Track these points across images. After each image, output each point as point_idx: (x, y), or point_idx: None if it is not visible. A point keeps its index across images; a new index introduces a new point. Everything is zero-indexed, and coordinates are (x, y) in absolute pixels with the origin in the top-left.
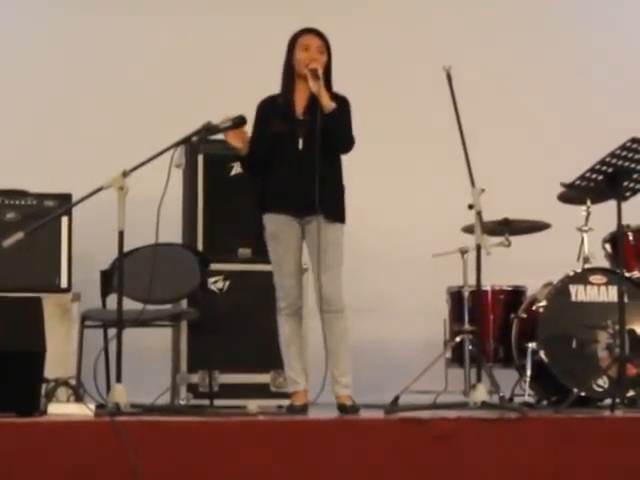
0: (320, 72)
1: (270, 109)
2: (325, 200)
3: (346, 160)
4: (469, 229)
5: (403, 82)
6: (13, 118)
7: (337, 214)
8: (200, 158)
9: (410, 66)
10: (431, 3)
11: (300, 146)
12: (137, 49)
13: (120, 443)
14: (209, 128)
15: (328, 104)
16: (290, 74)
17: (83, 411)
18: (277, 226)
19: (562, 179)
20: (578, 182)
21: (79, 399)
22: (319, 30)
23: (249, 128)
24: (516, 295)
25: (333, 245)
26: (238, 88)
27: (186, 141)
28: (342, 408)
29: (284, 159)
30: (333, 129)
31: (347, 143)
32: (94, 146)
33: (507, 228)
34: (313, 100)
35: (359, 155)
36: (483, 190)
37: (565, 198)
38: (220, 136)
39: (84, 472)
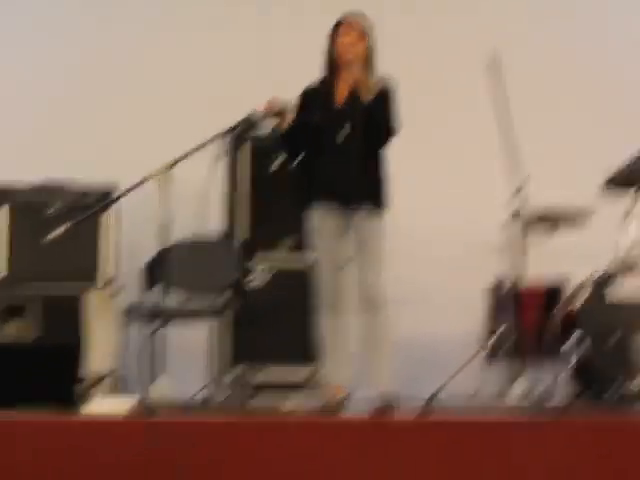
0: (356, 67)
1: (312, 100)
2: (370, 191)
3: (389, 149)
4: (514, 216)
5: (447, 69)
6: (58, 110)
7: (382, 205)
8: (244, 149)
9: (455, 52)
10: None
11: (342, 137)
12: (181, 38)
13: (155, 442)
14: (251, 119)
15: (367, 94)
16: (331, 63)
17: (124, 405)
18: (320, 219)
19: (606, 166)
20: (623, 170)
21: (123, 391)
22: (360, 15)
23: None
24: (555, 291)
25: (377, 238)
26: (282, 79)
27: (229, 132)
28: (382, 402)
29: (327, 149)
30: (374, 119)
31: (389, 132)
32: (138, 138)
33: (550, 217)
34: (354, 89)
35: (402, 144)
36: (527, 177)
37: (611, 185)
38: (264, 129)
39: (121, 469)
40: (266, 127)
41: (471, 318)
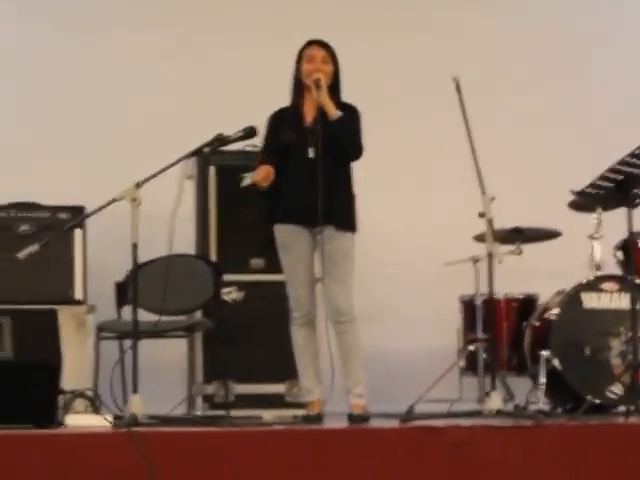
0: (323, 82)
1: (280, 120)
2: (336, 209)
3: (357, 168)
4: (481, 237)
5: (413, 93)
6: (27, 131)
7: (348, 223)
8: (212, 169)
9: (419, 77)
10: (438, 16)
11: (310, 155)
12: (151, 61)
13: (138, 454)
14: (220, 139)
15: (333, 112)
16: (298, 86)
17: (100, 422)
18: (288, 236)
19: (573, 187)
20: (588, 190)
21: (96, 410)
22: (323, 41)
23: (259, 141)
24: (528, 303)
25: (343, 255)
26: (250, 101)
27: (197, 152)
28: (352, 417)
29: (294, 168)
30: (340, 137)
31: (354, 150)
32: (107, 158)
33: (518, 236)
34: (321, 110)
35: (370, 164)
36: (494, 198)
37: (576, 206)
38: (231, 147)
39: None
40: (233, 146)
41: (446, 332)
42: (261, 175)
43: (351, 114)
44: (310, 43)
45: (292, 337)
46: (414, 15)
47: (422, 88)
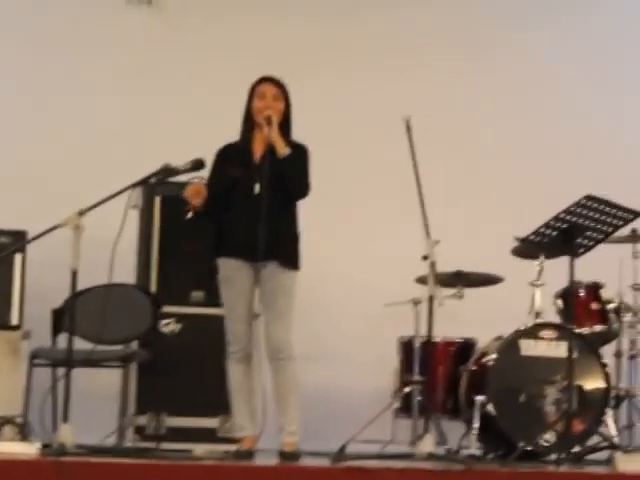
0: (274, 119)
1: (228, 155)
2: (279, 246)
3: (301, 207)
4: (422, 280)
5: (360, 132)
6: None
7: (291, 261)
8: (157, 200)
9: (367, 116)
10: (390, 56)
11: (256, 191)
12: (98, 86)
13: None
14: (167, 170)
15: (282, 149)
16: (249, 122)
17: (29, 450)
18: (230, 270)
19: (516, 233)
20: (532, 237)
21: (25, 438)
22: (276, 78)
23: (206, 174)
24: (466, 347)
25: (284, 292)
26: (197, 133)
27: (144, 182)
28: (283, 455)
29: (240, 204)
30: (287, 174)
31: (301, 189)
32: (50, 184)
33: (460, 280)
34: (270, 147)
35: (314, 203)
36: (437, 242)
37: (519, 252)
38: (178, 179)
39: None
40: (180, 178)
41: (383, 373)
42: (190, 191)
43: (300, 152)
44: (262, 80)
45: (228, 372)
46: (368, 53)
47: (369, 129)
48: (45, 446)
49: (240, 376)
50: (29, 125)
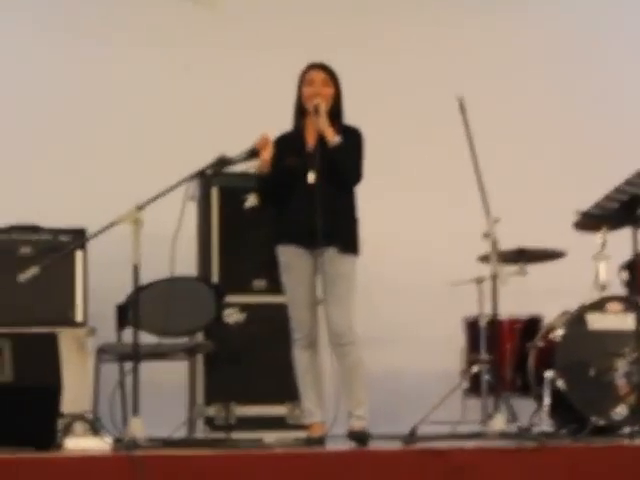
0: (323, 107)
1: (283, 145)
2: (337, 232)
3: (361, 189)
4: (485, 258)
5: (417, 113)
6: (27, 151)
7: (350, 246)
8: (214, 190)
9: (424, 97)
10: (444, 34)
11: (311, 179)
12: (154, 79)
13: (138, 477)
14: (223, 160)
15: (332, 138)
16: (300, 110)
17: (100, 445)
18: (290, 258)
19: (578, 207)
20: (593, 210)
21: (96, 433)
22: (324, 64)
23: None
24: (533, 324)
25: (344, 278)
26: (253, 121)
27: (200, 174)
28: (351, 436)
29: (296, 192)
30: (338, 163)
31: (353, 176)
32: (108, 180)
33: (523, 257)
34: (321, 135)
35: (375, 184)
36: (498, 219)
37: (581, 226)
38: (234, 169)
39: None
40: (236, 168)
41: (449, 353)
42: (260, 144)
43: (353, 138)
44: (310, 67)
45: (294, 359)
46: (416, 34)
47: (426, 110)
48: (117, 441)
49: (306, 362)
50: (81, 122)
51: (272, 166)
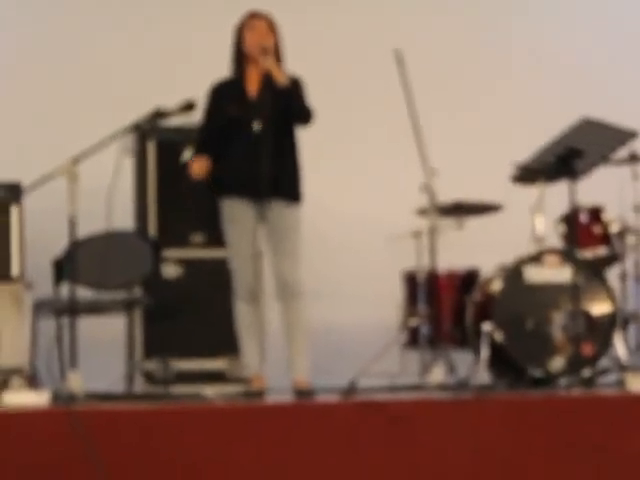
0: (270, 49)
1: (223, 93)
2: (284, 181)
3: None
4: (422, 211)
5: (355, 66)
6: None
7: (295, 195)
8: (151, 145)
9: (361, 50)
10: None
11: (255, 128)
12: (89, 32)
13: (76, 431)
14: (158, 113)
15: (282, 78)
16: (240, 58)
17: (38, 399)
18: (234, 210)
19: (514, 160)
20: (530, 163)
21: (33, 388)
22: (264, 12)
23: (199, 114)
24: (471, 277)
25: (292, 230)
26: (188, 74)
27: (136, 127)
28: (297, 391)
29: (239, 142)
30: (292, 102)
31: (306, 115)
32: (43, 133)
33: (460, 210)
34: (266, 81)
35: (311, 139)
36: (436, 169)
37: (518, 179)
38: (171, 122)
39: (40, 462)
40: (173, 121)
41: (387, 307)
42: (195, 170)
43: (298, 84)
44: (250, 15)
45: (236, 312)
46: None
47: (364, 63)
48: (55, 395)
49: (248, 315)
50: (13, 74)
51: (211, 115)
